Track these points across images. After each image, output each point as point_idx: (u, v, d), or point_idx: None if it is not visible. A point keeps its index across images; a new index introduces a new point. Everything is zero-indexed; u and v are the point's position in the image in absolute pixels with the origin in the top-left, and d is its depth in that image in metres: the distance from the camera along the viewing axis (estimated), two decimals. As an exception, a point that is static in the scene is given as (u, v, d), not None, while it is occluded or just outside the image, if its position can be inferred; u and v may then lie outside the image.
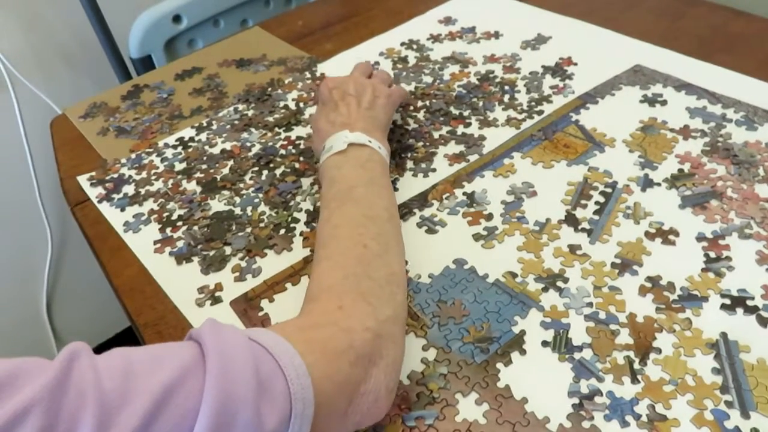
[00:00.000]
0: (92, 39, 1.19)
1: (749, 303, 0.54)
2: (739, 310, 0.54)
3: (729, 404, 0.48)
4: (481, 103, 0.82)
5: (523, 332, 0.55)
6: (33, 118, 1.26)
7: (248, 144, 0.81)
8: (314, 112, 0.74)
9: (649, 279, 0.57)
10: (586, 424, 0.48)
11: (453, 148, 0.76)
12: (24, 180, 1.31)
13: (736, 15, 0.95)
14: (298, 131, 0.82)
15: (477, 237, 0.64)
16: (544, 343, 0.54)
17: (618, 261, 0.59)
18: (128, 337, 1.57)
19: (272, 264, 0.64)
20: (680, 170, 0.68)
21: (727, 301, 0.55)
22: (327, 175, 0.62)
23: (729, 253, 0.59)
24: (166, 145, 0.83)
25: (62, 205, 1.37)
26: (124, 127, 0.88)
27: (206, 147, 0.82)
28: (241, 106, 0.88)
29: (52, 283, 1.46)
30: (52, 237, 1.40)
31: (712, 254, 0.59)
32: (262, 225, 0.69)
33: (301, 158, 0.77)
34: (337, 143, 0.63)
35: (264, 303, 0.61)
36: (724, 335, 0.52)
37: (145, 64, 1.18)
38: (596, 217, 0.64)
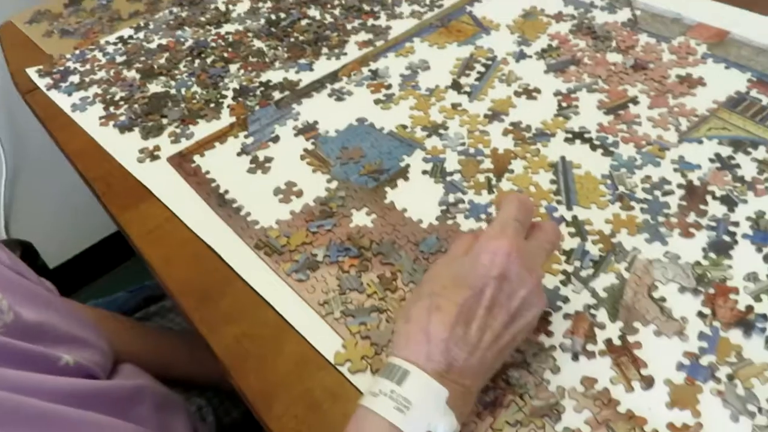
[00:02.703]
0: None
1: (586, 136, 0.68)
2: (578, 141, 0.67)
3: (559, 202, 0.61)
4: (390, 0, 0.93)
5: (408, 165, 0.67)
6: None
7: (182, 39, 0.91)
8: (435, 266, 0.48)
9: (512, 124, 0.70)
10: (449, 222, 0.61)
11: (363, 36, 0.87)
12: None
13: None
14: (227, 28, 0.92)
15: (377, 101, 0.76)
16: (424, 172, 0.66)
17: (489, 113, 0.72)
18: (87, 259, 1.66)
19: (203, 130, 0.75)
20: (549, 45, 0.81)
21: (570, 136, 0.68)
22: None
23: (577, 103, 0.72)
24: (108, 43, 0.92)
25: (16, 128, 1.43)
26: (68, 29, 0.96)
27: (144, 43, 0.91)
28: (175, 9, 0.97)
29: (8, 204, 1.53)
30: (6, 161, 1.47)
31: (564, 104, 0.72)
32: (194, 101, 0.79)
33: (230, 49, 0.87)
34: (420, 414, 0.40)
35: (196, 157, 0.72)
36: (562, 158, 0.66)
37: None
38: (476, 83, 0.77)
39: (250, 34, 0.90)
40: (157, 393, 0.62)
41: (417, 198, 0.64)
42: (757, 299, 0.51)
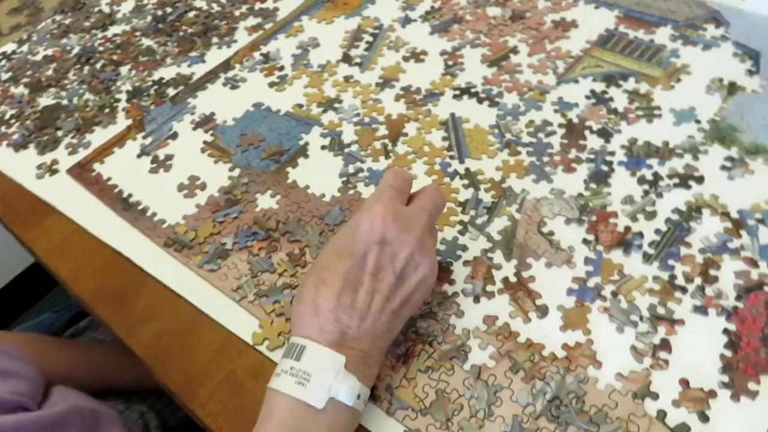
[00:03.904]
0: None
1: (472, 90, 0.71)
2: (465, 97, 0.70)
3: (452, 157, 0.64)
4: (275, -18, 0.93)
5: (306, 143, 0.69)
6: None
7: (68, 47, 0.89)
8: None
9: (402, 88, 0.73)
10: (351, 192, 0.63)
11: (252, 21, 0.87)
12: None
13: None
14: (114, 29, 0.90)
15: (271, 84, 0.77)
16: (323, 147, 0.68)
17: (381, 81, 0.74)
18: (11, 292, 1.61)
19: (100, 137, 0.75)
20: (432, 7, 0.83)
21: (458, 93, 0.71)
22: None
23: (462, 60, 0.75)
24: (-10, 61, 0.89)
25: None
26: (-54, 52, 0.92)
27: (29, 56, 0.88)
28: (58, 17, 0.95)
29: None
30: None
31: (450, 63, 0.75)
32: (88, 109, 0.78)
33: (119, 51, 0.86)
34: (319, 382, 0.42)
35: (96, 165, 0.71)
36: (452, 114, 0.68)
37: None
38: (366, 53, 0.78)
39: (137, 33, 0.89)
40: (87, 412, 0.62)
41: (318, 173, 0.65)
42: (634, 219, 0.56)
